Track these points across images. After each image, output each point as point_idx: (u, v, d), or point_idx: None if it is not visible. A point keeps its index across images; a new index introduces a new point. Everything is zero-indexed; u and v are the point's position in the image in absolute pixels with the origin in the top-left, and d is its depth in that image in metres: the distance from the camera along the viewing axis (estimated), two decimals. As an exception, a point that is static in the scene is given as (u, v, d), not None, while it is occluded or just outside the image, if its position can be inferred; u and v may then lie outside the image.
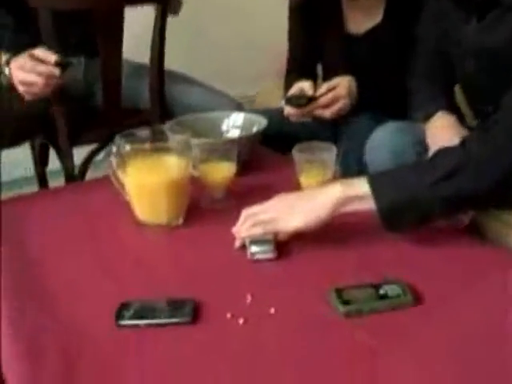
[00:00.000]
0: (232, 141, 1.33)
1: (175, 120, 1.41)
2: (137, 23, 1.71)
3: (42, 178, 1.98)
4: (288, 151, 1.21)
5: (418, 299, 0.85)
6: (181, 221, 1.13)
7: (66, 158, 1.64)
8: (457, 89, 1.40)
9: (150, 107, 1.72)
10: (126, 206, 1.13)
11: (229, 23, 2.67)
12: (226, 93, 1.77)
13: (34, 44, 1.44)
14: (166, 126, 1.30)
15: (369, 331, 0.80)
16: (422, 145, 1.28)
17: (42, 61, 1.37)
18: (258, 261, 0.98)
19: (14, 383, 0.75)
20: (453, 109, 1.32)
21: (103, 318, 0.84)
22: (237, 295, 0.88)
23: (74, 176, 1.65)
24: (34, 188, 1.94)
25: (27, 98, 1.41)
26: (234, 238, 1.03)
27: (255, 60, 2.68)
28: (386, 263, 0.96)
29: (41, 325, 0.85)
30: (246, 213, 1.03)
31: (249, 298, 0.87)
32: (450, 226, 1.05)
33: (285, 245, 1.00)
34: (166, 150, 1.13)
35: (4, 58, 1.42)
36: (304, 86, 1.45)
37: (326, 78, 1.56)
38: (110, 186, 1.14)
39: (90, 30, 1.59)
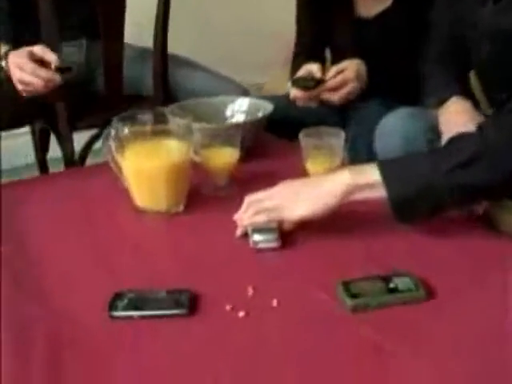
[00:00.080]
0: (235, 125, 1.30)
1: (177, 104, 1.38)
2: (139, 7, 1.68)
3: (42, 165, 1.98)
4: (294, 139, 1.18)
5: (430, 293, 0.82)
6: (181, 208, 1.10)
7: (65, 142, 1.64)
8: (472, 75, 1.38)
9: (152, 93, 1.69)
10: (125, 193, 1.10)
11: (236, 9, 2.64)
12: (231, 78, 1.73)
13: (33, 29, 1.41)
14: (167, 110, 1.25)
15: (377, 327, 0.76)
16: (435, 131, 1.25)
17: (41, 61, 1.36)
18: (260, 250, 0.95)
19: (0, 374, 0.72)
20: (467, 95, 1.29)
21: (96, 309, 0.81)
22: (237, 286, 0.85)
23: (73, 161, 1.64)
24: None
25: (25, 94, 1.41)
26: (236, 227, 1.00)
27: (263, 47, 2.67)
28: (396, 255, 0.93)
29: (30, 312, 0.82)
30: (248, 199, 1.00)
31: (250, 290, 0.84)
32: (462, 217, 1.02)
33: (289, 234, 0.97)
34: (167, 134, 1.09)
35: (2, 49, 1.42)
36: (312, 68, 1.42)
37: (335, 62, 1.52)
38: (109, 172, 1.12)
39: (91, 11, 1.56)
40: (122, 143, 1.07)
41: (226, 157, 1.16)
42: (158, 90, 1.70)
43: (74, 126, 1.61)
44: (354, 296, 0.80)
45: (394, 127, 1.27)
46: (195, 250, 0.97)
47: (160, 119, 1.12)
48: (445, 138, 1.16)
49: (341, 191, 0.92)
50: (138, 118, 1.10)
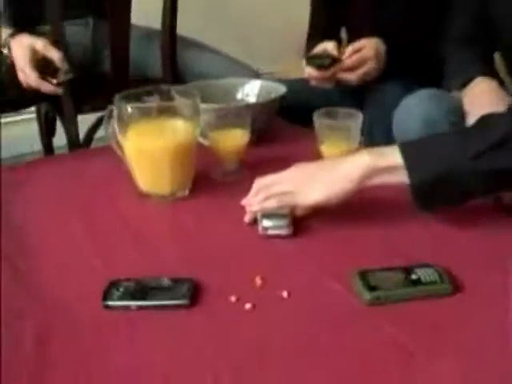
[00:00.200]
0: (246, 106, 1.26)
1: (184, 86, 1.32)
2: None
3: (48, 150, 1.98)
4: (308, 124, 1.14)
5: (456, 287, 0.76)
6: (187, 192, 1.06)
7: (70, 125, 1.62)
8: (496, 57, 1.33)
9: (160, 75, 1.66)
10: (128, 176, 1.07)
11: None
12: (242, 61, 1.67)
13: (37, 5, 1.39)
14: (174, 90, 1.19)
15: (396, 322, 0.71)
16: (458, 114, 1.20)
17: (43, 61, 1.36)
18: (270, 237, 0.90)
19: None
20: (492, 75, 1.24)
21: (91, 297, 0.76)
22: (244, 276, 0.80)
23: (78, 145, 1.62)
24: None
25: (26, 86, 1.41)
26: (244, 213, 0.95)
27: (277, 35, 2.62)
28: (417, 244, 0.88)
29: (20, 299, 0.78)
30: (258, 183, 0.95)
31: (258, 280, 0.79)
32: (487, 206, 0.96)
33: (301, 220, 0.93)
34: (172, 113, 1.04)
35: (4, 34, 1.40)
36: (328, 46, 1.37)
37: (351, 42, 1.47)
38: (113, 154, 1.08)
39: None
40: (124, 122, 1.02)
41: (235, 139, 1.12)
42: (166, 72, 1.66)
43: (80, 109, 1.59)
44: (372, 288, 0.74)
45: (413, 110, 1.22)
46: (200, 237, 0.93)
47: (165, 98, 1.08)
48: (471, 119, 1.11)
49: (358, 175, 0.87)
50: (142, 97, 1.06)
